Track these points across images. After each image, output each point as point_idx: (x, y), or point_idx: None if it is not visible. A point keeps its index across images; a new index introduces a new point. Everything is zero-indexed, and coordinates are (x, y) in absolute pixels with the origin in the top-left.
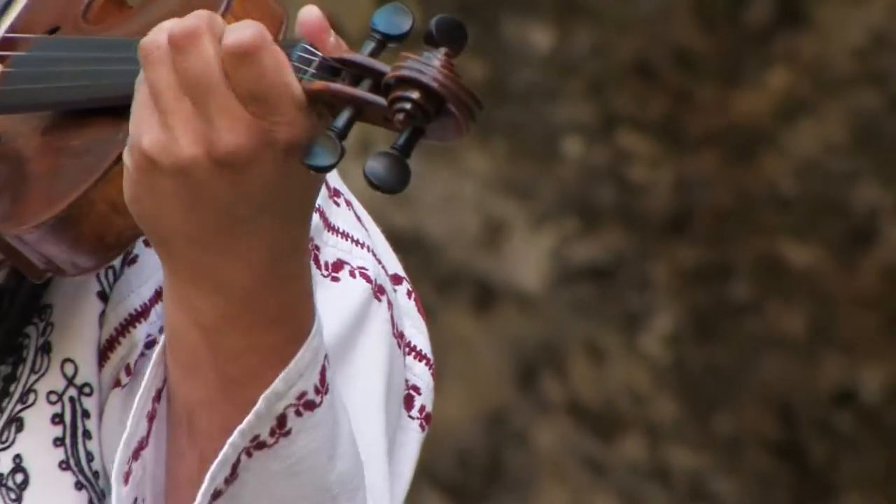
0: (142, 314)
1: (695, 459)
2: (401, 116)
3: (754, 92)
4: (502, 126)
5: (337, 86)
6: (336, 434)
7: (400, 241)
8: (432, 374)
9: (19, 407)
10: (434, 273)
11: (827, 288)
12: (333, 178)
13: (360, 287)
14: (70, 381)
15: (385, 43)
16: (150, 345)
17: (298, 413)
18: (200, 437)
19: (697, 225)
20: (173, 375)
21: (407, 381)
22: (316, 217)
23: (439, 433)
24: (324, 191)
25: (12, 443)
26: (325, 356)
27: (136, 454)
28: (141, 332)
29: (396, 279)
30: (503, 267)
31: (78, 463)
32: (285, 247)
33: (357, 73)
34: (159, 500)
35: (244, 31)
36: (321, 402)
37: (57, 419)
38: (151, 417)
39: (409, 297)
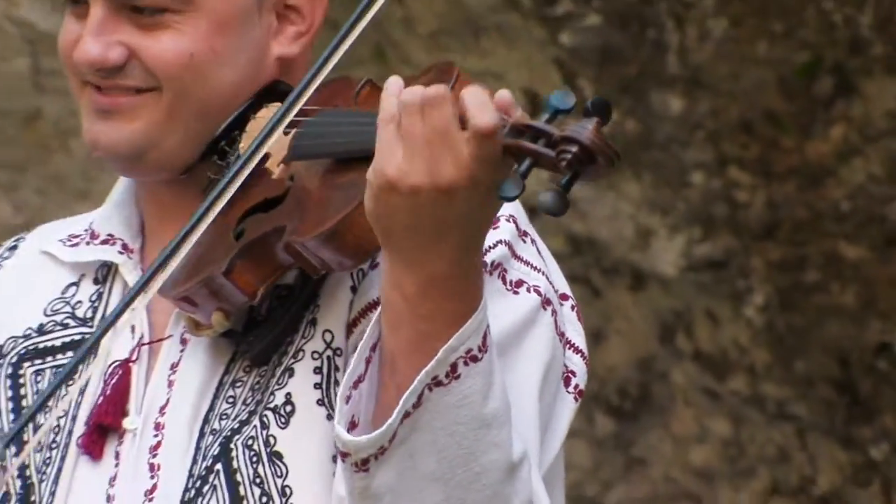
0: (376, 304)
1: (780, 391)
2: (564, 164)
3: (821, 140)
4: (649, 164)
5: (523, 142)
6: (491, 381)
7: (579, 243)
8: (586, 364)
9: (292, 361)
10: (602, 264)
11: (870, 274)
12: (523, 222)
13: (533, 299)
14: (328, 345)
15: (556, 115)
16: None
17: (466, 363)
18: (399, 375)
19: (782, 231)
20: (384, 332)
21: (566, 366)
22: (506, 249)
23: (606, 373)
24: (514, 230)
25: (285, 385)
26: (487, 326)
27: (356, 385)
28: (374, 315)
29: (564, 297)
30: (650, 260)
31: (330, 402)
32: (471, 248)
33: (536, 134)
34: (368, 418)
35: (486, 116)
36: (482, 358)
37: (317, 371)
38: (368, 361)
39: (573, 310)
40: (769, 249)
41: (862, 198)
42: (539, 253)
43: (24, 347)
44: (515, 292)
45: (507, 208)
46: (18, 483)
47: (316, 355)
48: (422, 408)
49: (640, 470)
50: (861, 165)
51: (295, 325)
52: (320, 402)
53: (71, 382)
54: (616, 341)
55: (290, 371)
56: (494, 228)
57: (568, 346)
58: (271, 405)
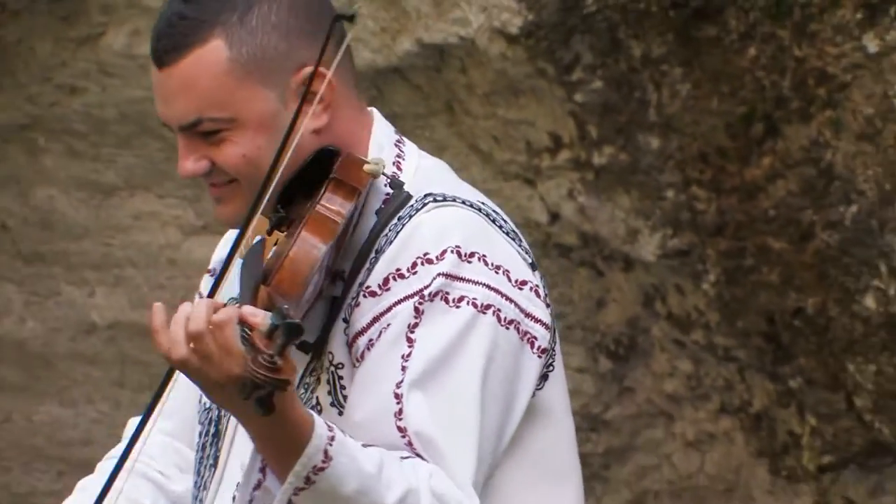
0: (362, 332)
1: (727, 342)
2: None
3: (755, 167)
4: (636, 184)
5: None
6: (343, 474)
7: (587, 238)
8: (546, 328)
9: (316, 375)
10: (603, 253)
11: (789, 260)
12: (473, 245)
13: (469, 311)
14: (331, 363)
15: (274, 329)
16: (369, 346)
17: (315, 473)
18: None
19: (728, 231)
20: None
21: (528, 333)
22: (444, 278)
23: (606, 328)
24: (456, 259)
25: (316, 391)
26: (328, 442)
27: (256, 487)
28: (362, 341)
29: (522, 283)
30: (636, 250)
31: (339, 402)
32: (269, 428)
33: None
34: None
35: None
36: (328, 466)
37: (328, 381)
38: (263, 470)
39: (531, 291)
40: (719, 243)
41: (783, 207)
42: (487, 265)
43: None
44: (457, 307)
45: (453, 239)
46: (215, 419)
47: (325, 370)
48: (296, 497)
49: (629, 395)
50: (783, 185)
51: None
52: (332, 404)
53: None
54: (613, 306)
55: (318, 381)
56: (437, 262)
57: (529, 318)
58: (311, 403)
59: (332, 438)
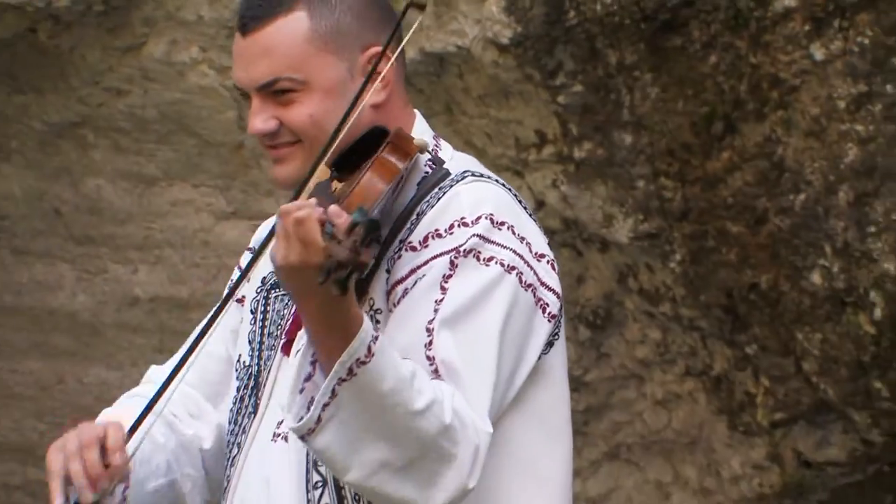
0: (399, 282)
1: (691, 313)
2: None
3: (716, 160)
4: (611, 175)
5: (331, 248)
6: (382, 371)
7: (569, 223)
8: (557, 297)
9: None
10: (583, 236)
11: (745, 242)
12: (504, 215)
13: (497, 269)
14: (371, 308)
15: (354, 226)
16: (405, 293)
17: (358, 366)
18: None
19: (692, 216)
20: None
21: (541, 300)
22: (478, 238)
23: (585, 301)
24: (489, 224)
25: None
26: (372, 340)
27: (307, 380)
28: (400, 289)
29: (541, 256)
30: (612, 233)
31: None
32: (330, 310)
33: (335, 243)
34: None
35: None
36: (369, 361)
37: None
38: (314, 363)
39: (548, 264)
40: (684, 227)
41: (740, 195)
42: (514, 234)
43: (273, 280)
44: (487, 265)
45: (487, 208)
46: (255, 374)
47: (366, 315)
48: (337, 397)
49: (606, 360)
50: (740, 176)
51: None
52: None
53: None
54: (591, 283)
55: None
56: (472, 225)
57: (544, 287)
58: None
59: (376, 338)
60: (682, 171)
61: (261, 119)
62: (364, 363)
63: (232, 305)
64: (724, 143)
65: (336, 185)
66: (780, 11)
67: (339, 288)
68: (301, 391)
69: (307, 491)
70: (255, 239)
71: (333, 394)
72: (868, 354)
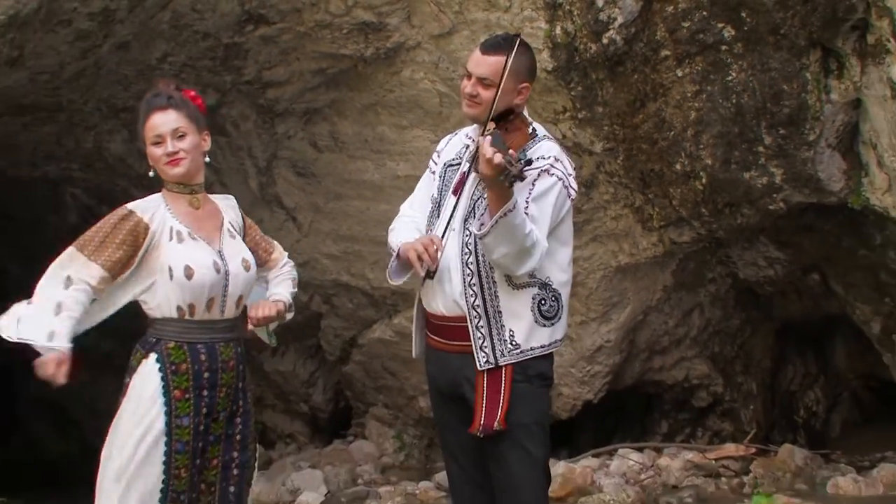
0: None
1: None
2: (513, 175)
3: None
4: None
5: (508, 167)
6: (518, 214)
7: None
8: (576, 193)
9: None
10: None
11: None
12: (559, 156)
13: (555, 179)
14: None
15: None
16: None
17: (510, 211)
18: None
19: None
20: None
21: (570, 193)
22: (549, 163)
23: None
24: (554, 159)
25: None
26: (515, 204)
27: (504, 214)
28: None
29: (570, 174)
30: None
31: None
32: (502, 195)
33: (509, 163)
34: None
35: (497, 158)
36: (514, 208)
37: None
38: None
39: (571, 177)
40: None
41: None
42: (563, 165)
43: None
44: (551, 176)
45: (553, 152)
46: (438, 202)
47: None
48: (501, 220)
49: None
50: None
51: None
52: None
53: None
54: None
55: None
56: (547, 160)
57: (572, 188)
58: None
59: (516, 203)
60: None
61: (471, 87)
62: (510, 211)
63: (435, 173)
64: None
65: (501, 132)
66: None
67: (511, 183)
68: (482, 220)
69: (463, 265)
70: (441, 144)
71: (496, 223)
72: None
